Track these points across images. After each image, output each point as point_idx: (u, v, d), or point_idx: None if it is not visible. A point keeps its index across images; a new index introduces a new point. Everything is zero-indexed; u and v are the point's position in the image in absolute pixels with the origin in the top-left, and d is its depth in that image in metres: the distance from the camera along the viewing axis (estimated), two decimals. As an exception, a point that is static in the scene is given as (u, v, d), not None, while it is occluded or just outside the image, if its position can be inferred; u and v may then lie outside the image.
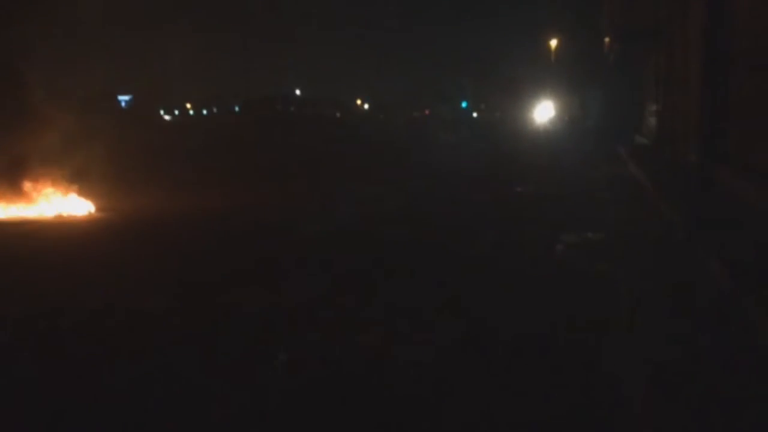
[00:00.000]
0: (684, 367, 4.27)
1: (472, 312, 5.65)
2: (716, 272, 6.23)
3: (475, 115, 63.71)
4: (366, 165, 20.65)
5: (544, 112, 46.28)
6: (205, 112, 69.14)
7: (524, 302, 5.88)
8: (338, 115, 60.29)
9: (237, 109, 64.48)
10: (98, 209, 11.74)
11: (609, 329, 5.11)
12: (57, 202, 11.91)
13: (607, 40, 25.69)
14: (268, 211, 11.79)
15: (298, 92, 74.86)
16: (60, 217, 11.47)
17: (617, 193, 13.11)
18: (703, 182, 11.74)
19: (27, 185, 12.07)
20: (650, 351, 4.59)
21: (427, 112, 62.77)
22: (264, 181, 16.60)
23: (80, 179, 12.26)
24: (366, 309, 5.78)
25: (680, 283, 6.28)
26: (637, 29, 21.97)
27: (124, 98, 50.85)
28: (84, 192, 12.07)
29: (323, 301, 6.00)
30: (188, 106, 68.83)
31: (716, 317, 5.23)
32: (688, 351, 4.57)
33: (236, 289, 6.45)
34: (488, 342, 4.92)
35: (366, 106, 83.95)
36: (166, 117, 62.68)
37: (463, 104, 60.99)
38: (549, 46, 45.92)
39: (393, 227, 9.68)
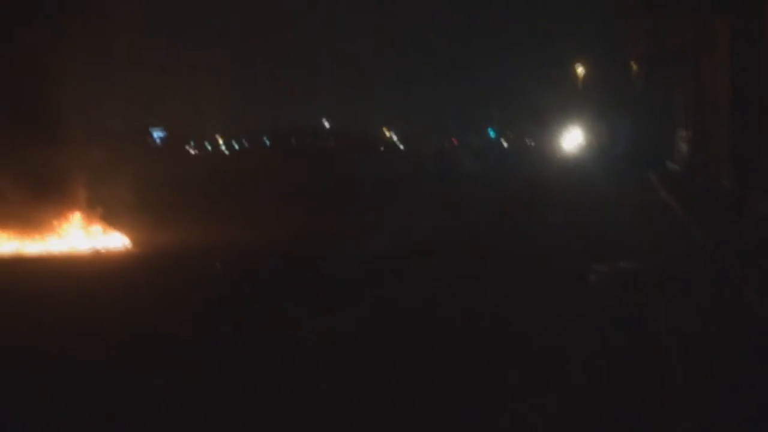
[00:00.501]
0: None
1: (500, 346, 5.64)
2: (756, 302, 6.11)
3: (505, 144, 63.70)
4: (395, 196, 20.72)
5: (572, 139, 46.09)
6: (236, 146, 70.11)
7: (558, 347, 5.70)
8: (382, 149, 60.87)
9: (267, 141, 65.33)
10: (134, 244, 11.90)
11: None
12: (93, 237, 12.12)
13: (633, 65, 25.60)
14: (302, 243, 11.88)
15: (326, 124, 75.62)
16: (96, 251, 11.66)
17: (649, 220, 12.97)
18: (736, 209, 11.57)
19: (63, 220, 12.34)
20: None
21: (455, 141, 62.91)
22: (295, 212, 16.73)
23: (115, 213, 12.48)
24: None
25: (720, 314, 6.18)
26: (663, 54, 21.85)
27: (158, 133, 51.98)
28: (120, 226, 12.25)
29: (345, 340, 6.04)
30: (219, 139, 69.88)
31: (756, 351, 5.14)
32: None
33: (273, 323, 6.53)
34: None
35: (394, 137, 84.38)
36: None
37: (491, 133, 60.99)
38: (575, 73, 45.86)
39: (420, 258, 9.70)
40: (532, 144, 69.85)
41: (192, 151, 53.71)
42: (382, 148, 60.08)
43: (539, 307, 6.78)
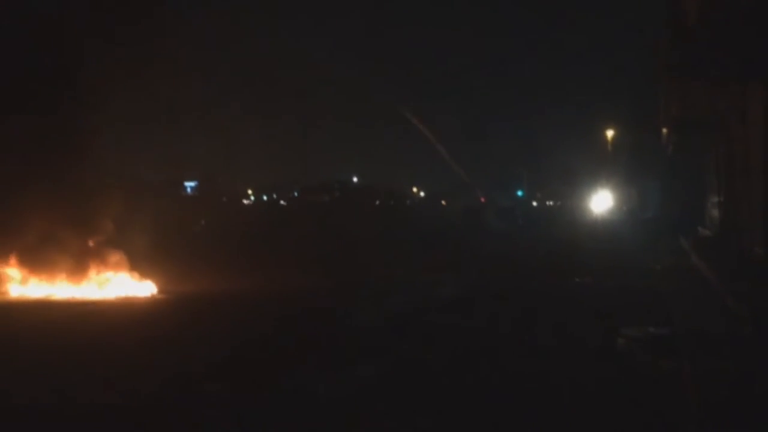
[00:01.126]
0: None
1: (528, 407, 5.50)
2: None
3: (534, 204, 63.64)
4: (422, 253, 20.66)
5: (601, 201, 45.77)
6: (265, 197, 71.08)
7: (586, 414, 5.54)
8: (409, 203, 61.40)
9: (296, 194, 66.17)
10: (160, 291, 12.03)
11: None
12: (121, 283, 12.28)
13: (664, 130, 25.59)
14: (323, 295, 11.89)
15: (355, 179, 76.32)
16: (123, 298, 11.80)
17: (680, 286, 12.72)
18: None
19: (93, 266, 12.53)
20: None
21: (482, 199, 62.93)
22: (319, 266, 16.76)
23: (145, 261, 12.67)
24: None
25: (753, 381, 5.98)
26: (694, 119, 21.80)
27: (189, 184, 53.11)
28: (147, 274, 12.41)
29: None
30: (249, 192, 70.98)
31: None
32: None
33: (294, 372, 6.48)
34: None
35: (422, 194, 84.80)
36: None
37: (519, 193, 61.00)
38: (605, 136, 45.91)
39: (444, 316, 9.62)
40: (552, 204, 69.73)
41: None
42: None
43: (565, 372, 6.63)
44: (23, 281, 12.40)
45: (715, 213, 22.95)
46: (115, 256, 12.59)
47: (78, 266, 12.41)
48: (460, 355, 7.38)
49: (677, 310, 9.91)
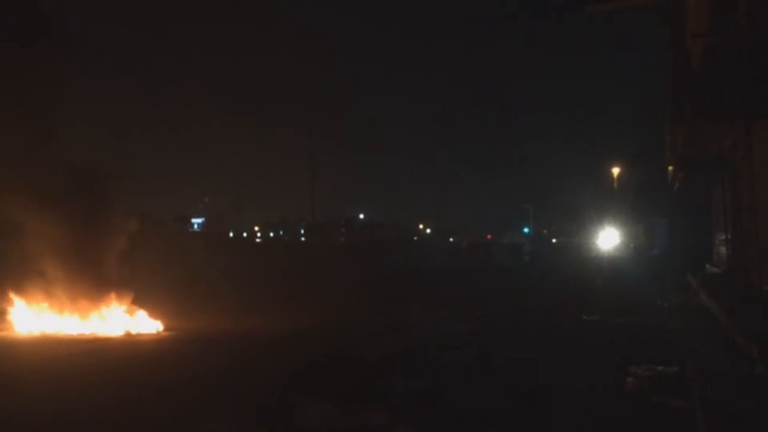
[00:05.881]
0: None
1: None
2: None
3: (554, 241, 63.63)
4: (428, 289, 20.61)
5: (608, 238, 45.70)
6: (271, 234, 71.39)
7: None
8: (416, 239, 61.95)
9: (302, 231, 66.45)
10: (166, 328, 12.01)
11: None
12: (127, 320, 12.26)
13: (670, 168, 25.65)
14: (333, 333, 11.83)
15: (361, 216, 76.67)
16: (129, 334, 11.78)
17: (689, 324, 12.60)
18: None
19: (101, 302, 12.53)
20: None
21: (489, 236, 62.99)
22: (325, 302, 16.71)
23: (151, 298, 12.66)
24: None
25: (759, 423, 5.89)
26: (700, 158, 21.86)
27: (197, 221, 53.66)
28: (153, 311, 12.39)
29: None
30: (256, 228, 71.34)
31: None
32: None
33: (299, 412, 6.42)
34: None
35: (428, 230, 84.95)
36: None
37: (526, 230, 61.05)
38: (611, 174, 46.05)
39: (450, 354, 9.55)
40: (575, 241, 69.61)
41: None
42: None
43: (573, 412, 6.55)
44: (31, 316, 12.40)
45: (723, 250, 22.84)
46: (123, 293, 12.60)
47: (85, 302, 12.41)
48: (468, 393, 7.29)
49: (686, 349, 9.80)
